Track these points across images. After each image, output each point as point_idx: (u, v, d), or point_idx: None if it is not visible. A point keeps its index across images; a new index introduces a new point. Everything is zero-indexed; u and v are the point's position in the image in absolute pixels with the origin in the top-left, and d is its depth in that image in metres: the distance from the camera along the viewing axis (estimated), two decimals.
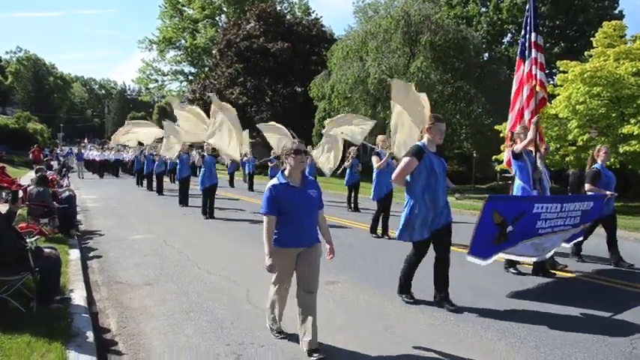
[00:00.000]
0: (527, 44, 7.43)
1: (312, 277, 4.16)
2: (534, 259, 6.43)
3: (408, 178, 5.40)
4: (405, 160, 5.36)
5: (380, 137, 10.30)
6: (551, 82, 18.58)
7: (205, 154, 13.08)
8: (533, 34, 7.33)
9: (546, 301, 5.72)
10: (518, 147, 6.81)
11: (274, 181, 4.12)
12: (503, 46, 29.44)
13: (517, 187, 6.99)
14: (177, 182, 20.35)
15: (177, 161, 15.58)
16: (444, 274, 5.50)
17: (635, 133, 13.56)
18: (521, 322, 4.98)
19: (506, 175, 27.94)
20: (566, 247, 7.30)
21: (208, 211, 12.48)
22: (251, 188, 21.29)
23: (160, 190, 18.91)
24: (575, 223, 6.47)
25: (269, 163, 18.02)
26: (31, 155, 32.10)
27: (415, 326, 4.85)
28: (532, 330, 4.77)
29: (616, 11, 27.45)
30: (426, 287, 6.22)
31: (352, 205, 14.65)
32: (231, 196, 18.29)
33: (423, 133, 5.47)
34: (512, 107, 7.92)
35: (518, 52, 7.78)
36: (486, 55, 28.00)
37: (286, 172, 4.14)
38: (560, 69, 16.07)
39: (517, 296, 5.91)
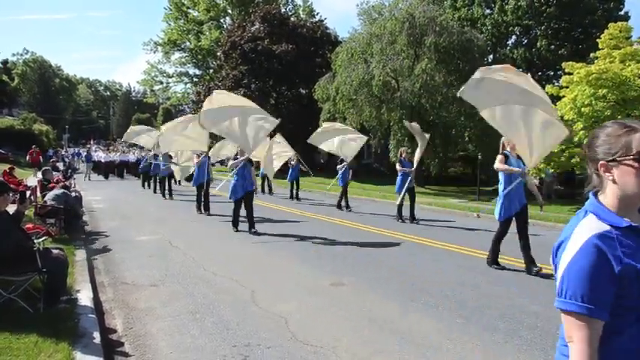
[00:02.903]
0: None
1: None
2: None
3: None
4: None
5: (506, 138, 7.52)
6: (557, 84, 18.54)
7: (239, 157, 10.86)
8: None
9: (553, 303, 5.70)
10: None
11: (593, 225, 1.56)
12: (508, 48, 29.37)
13: None
14: (179, 184, 20.06)
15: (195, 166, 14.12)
16: None
17: None
18: (529, 324, 4.97)
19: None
20: None
21: (249, 222, 10.67)
22: (270, 191, 20.73)
23: (164, 193, 18.15)
24: None
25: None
26: (28, 157, 29.63)
27: (421, 329, 4.84)
28: (540, 332, 4.75)
29: (622, 12, 27.34)
30: (433, 290, 6.21)
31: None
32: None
33: None
34: None
35: None
36: (491, 57, 27.96)
37: (611, 201, 1.61)
38: (566, 71, 16.04)
39: (524, 299, 5.88)
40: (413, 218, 12.45)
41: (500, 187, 7.33)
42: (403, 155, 12.85)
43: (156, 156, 19.21)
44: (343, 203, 14.95)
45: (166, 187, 17.99)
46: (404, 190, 12.24)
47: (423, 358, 4.17)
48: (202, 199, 13.73)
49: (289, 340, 4.48)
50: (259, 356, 4.15)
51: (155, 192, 19.73)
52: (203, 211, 13.61)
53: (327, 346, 4.37)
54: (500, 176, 7.36)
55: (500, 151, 7.39)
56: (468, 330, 4.80)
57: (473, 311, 5.35)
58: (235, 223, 10.80)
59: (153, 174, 20.00)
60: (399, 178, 12.56)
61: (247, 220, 10.64)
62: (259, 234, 10.26)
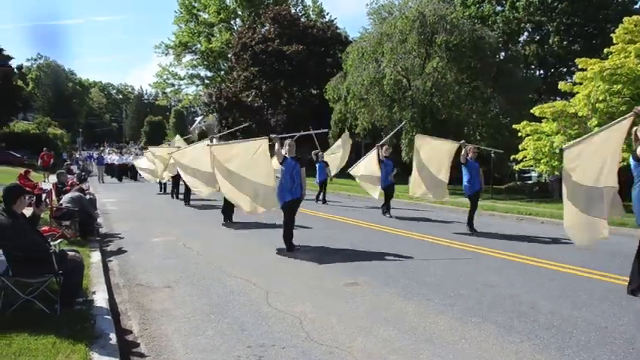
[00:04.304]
0: None
1: None
2: None
3: None
4: None
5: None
6: (570, 81, 18.36)
7: (288, 156, 8.70)
8: None
9: (571, 303, 5.64)
10: None
11: None
12: (520, 45, 29.14)
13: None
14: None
15: None
16: None
17: None
18: (545, 324, 4.92)
19: (524, 175, 27.68)
20: None
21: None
22: None
23: (186, 199, 16.45)
24: None
25: None
26: (40, 161, 28.09)
27: (437, 328, 4.82)
28: (556, 332, 4.71)
29: (637, 6, 27.03)
30: (449, 289, 6.18)
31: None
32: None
33: None
34: None
35: None
36: (502, 54, 27.76)
37: None
38: (579, 67, 15.86)
39: (541, 299, 5.82)
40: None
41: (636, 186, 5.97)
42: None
43: None
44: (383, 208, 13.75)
45: (180, 191, 17.09)
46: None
47: (438, 357, 4.15)
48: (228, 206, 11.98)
49: (304, 340, 4.48)
50: (274, 356, 4.15)
51: (173, 197, 18.46)
52: (226, 220, 12.08)
53: (342, 345, 4.36)
54: (635, 171, 5.97)
55: (634, 142, 6.07)
56: (484, 329, 4.77)
57: (489, 310, 5.31)
58: (287, 237, 8.69)
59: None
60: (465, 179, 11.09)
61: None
62: (296, 250, 8.61)
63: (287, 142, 8.95)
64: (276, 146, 8.91)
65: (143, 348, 4.42)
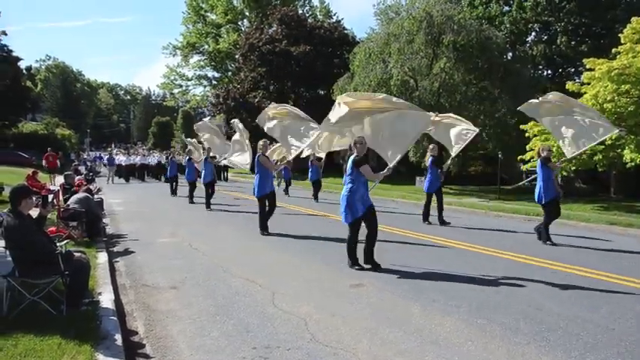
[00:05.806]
0: None
1: None
2: None
3: None
4: None
5: None
6: (578, 81, 18.24)
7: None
8: None
9: (578, 304, 5.60)
10: None
11: None
12: (528, 45, 28.98)
13: None
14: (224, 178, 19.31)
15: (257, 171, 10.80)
16: None
17: None
18: (551, 326, 4.89)
19: (533, 175, 27.55)
20: None
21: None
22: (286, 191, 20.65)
23: (208, 204, 15.47)
24: None
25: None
26: (44, 162, 26.36)
27: (442, 329, 4.79)
28: (563, 334, 4.67)
29: None
30: (454, 291, 6.16)
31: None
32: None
33: None
34: None
35: None
36: (510, 54, 27.62)
37: None
38: (587, 67, 15.75)
39: (546, 300, 5.78)
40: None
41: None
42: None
43: (190, 159, 17.95)
44: (431, 214, 12.23)
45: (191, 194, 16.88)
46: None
47: (443, 359, 4.13)
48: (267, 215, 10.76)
49: (309, 342, 4.48)
50: (279, 358, 4.15)
51: (192, 202, 17.13)
52: (262, 230, 10.57)
53: (348, 347, 4.35)
54: None
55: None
56: (489, 331, 4.74)
57: (494, 312, 5.29)
58: (352, 254, 7.39)
59: (190, 180, 17.65)
60: None
61: (365, 249, 7.37)
62: (379, 269, 7.25)
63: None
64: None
65: (148, 349, 4.43)
